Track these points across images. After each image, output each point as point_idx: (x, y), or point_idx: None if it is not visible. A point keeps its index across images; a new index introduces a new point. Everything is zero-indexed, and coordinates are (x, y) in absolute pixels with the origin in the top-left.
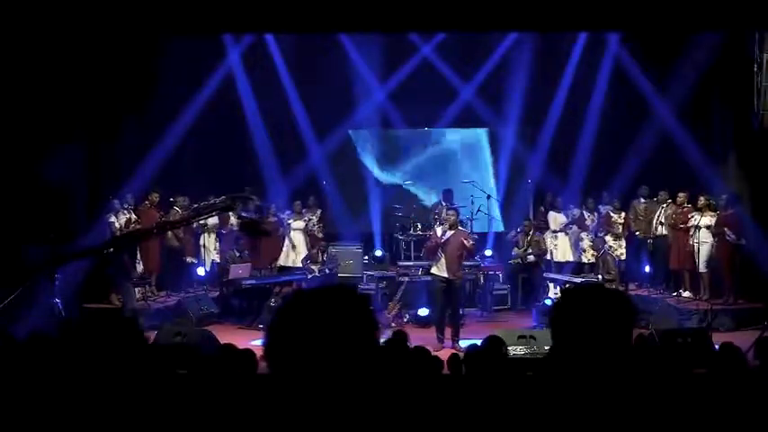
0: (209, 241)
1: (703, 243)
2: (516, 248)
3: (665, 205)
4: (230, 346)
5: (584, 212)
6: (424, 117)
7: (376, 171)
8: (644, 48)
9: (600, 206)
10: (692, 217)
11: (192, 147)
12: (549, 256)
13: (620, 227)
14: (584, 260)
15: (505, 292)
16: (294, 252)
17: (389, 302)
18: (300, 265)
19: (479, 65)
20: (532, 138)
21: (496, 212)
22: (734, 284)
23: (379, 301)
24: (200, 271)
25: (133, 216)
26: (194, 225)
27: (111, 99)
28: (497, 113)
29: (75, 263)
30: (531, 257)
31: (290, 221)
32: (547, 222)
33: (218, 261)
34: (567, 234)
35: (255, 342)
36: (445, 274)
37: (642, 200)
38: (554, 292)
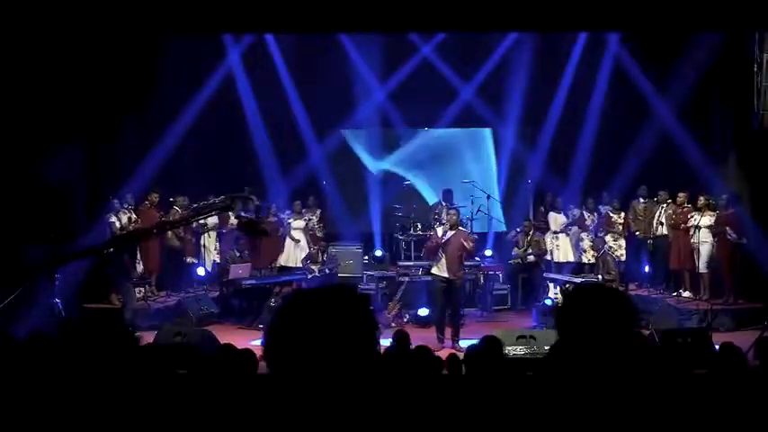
0: (210, 241)
1: (703, 243)
2: (516, 248)
3: (664, 205)
4: (230, 346)
5: (585, 213)
6: (424, 117)
7: (371, 163)
8: (644, 48)
9: (600, 206)
10: (692, 217)
11: (192, 147)
12: (550, 257)
13: (620, 227)
14: (585, 260)
15: (505, 292)
16: (298, 250)
17: (389, 302)
18: (301, 265)
19: (479, 65)
20: (532, 138)
21: (498, 213)
22: (734, 284)
23: (379, 301)
24: (200, 271)
25: (133, 216)
26: (194, 225)
27: (111, 99)
28: (497, 113)
29: (75, 263)
30: (531, 257)
31: (290, 221)
32: (547, 223)
33: (219, 261)
34: (567, 234)
35: (255, 342)
36: (446, 274)
37: (641, 200)
38: (554, 292)
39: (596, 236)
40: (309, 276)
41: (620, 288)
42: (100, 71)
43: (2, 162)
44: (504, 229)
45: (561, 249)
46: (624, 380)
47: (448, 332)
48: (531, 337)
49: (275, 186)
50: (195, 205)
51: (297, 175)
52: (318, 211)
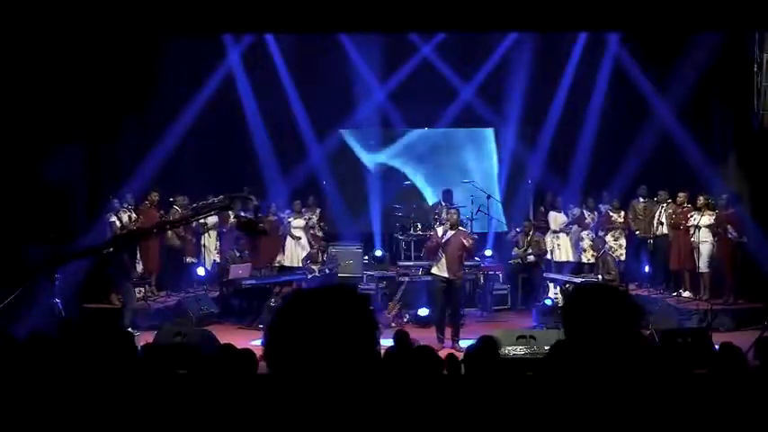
0: (210, 241)
1: (703, 242)
2: (516, 248)
3: (664, 205)
4: (230, 346)
5: (585, 212)
6: (424, 117)
7: (368, 158)
8: (644, 48)
9: (600, 205)
10: (692, 216)
11: (192, 147)
12: (550, 256)
13: (620, 226)
14: (584, 260)
15: (505, 292)
16: (299, 248)
17: (389, 302)
18: (302, 264)
19: (479, 65)
20: (532, 138)
21: (499, 213)
22: (735, 283)
23: (379, 301)
24: (201, 271)
25: (133, 215)
26: (194, 225)
27: (111, 99)
28: (497, 113)
29: (75, 263)
30: (531, 257)
31: (290, 219)
32: (547, 222)
33: (219, 261)
34: (567, 234)
35: (255, 342)
36: (446, 274)
37: (641, 199)
38: (554, 292)
39: (596, 235)
40: (309, 276)
41: (621, 288)
42: (100, 71)
43: (2, 162)
44: (504, 229)
45: (562, 249)
46: (625, 379)
47: (448, 332)
48: (531, 337)
49: (275, 186)
50: (195, 205)
51: (297, 174)
52: (318, 210)
